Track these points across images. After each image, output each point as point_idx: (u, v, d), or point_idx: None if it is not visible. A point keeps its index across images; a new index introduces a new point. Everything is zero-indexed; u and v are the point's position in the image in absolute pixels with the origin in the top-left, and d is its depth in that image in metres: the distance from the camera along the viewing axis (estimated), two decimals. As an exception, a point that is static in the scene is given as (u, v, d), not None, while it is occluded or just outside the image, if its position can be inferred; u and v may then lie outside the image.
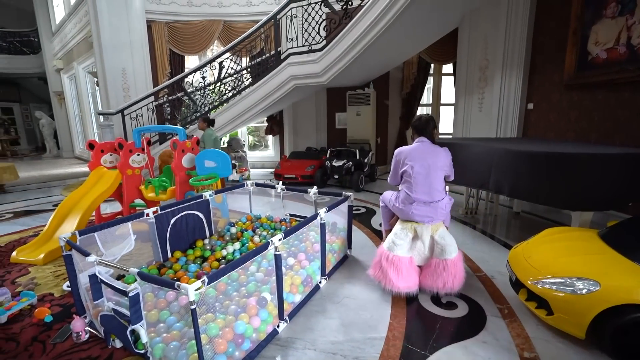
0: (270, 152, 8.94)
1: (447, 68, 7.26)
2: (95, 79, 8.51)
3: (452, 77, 6.95)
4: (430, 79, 7.45)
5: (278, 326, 1.88)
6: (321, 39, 5.41)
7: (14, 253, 2.98)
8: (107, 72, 7.06)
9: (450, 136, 6.24)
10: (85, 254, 1.71)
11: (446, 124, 7.52)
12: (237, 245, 2.73)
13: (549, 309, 1.73)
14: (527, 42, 4.37)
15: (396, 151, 2.34)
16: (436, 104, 7.55)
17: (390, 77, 7.27)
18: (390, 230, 2.58)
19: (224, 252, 2.62)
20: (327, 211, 2.40)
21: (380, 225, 3.21)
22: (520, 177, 2.62)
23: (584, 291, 1.59)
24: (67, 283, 2.43)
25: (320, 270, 2.40)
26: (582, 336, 1.62)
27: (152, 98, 6.58)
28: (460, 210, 4.16)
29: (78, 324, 1.85)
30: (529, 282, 1.84)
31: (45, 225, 3.30)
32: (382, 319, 1.99)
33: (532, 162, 2.52)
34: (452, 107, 6.41)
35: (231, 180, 6.41)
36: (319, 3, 5.28)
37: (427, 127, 2.30)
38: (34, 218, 4.32)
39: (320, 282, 2.39)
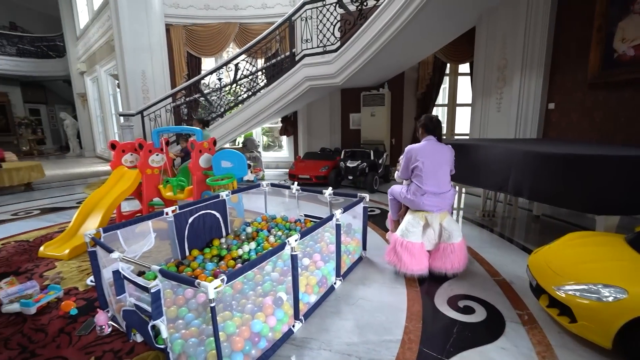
0: (284, 152, 9.01)
1: (464, 68, 7.14)
2: (117, 81, 8.78)
3: (468, 77, 6.83)
4: (446, 79, 7.34)
5: (293, 326, 1.89)
6: (336, 40, 5.42)
7: (41, 248, 3.10)
8: (128, 75, 7.28)
9: (467, 137, 6.14)
10: (109, 251, 1.77)
11: (462, 125, 7.40)
12: (253, 244, 2.76)
13: (572, 316, 1.67)
14: (548, 40, 4.26)
15: (407, 148, 2.58)
16: (452, 104, 7.43)
17: (405, 78, 7.21)
18: (397, 221, 2.93)
19: (240, 252, 2.66)
20: (343, 212, 2.41)
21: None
22: (542, 179, 2.55)
23: (610, 299, 1.54)
24: (91, 278, 2.52)
25: (335, 271, 2.40)
26: (609, 346, 1.56)
27: (170, 99, 6.75)
28: (477, 212, 4.08)
29: (101, 318, 1.92)
30: (551, 288, 1.79)
31: (70, 222, 3.43)
32: (397, 322, 1.98)
33: (555, 164, 2.45)
34: (469, 108, 6.29)
35: (246, 180, 6.48)
36: (334, 4, 5.29)
37: (437, 128, 2.58)
38: (59, 215, 4.50)
39: (335, 283, 2.39)
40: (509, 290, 2.32)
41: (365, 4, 5.10)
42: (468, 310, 2.08)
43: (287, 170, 6.83)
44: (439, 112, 7.93)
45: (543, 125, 4.49)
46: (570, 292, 1.69)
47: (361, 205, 2.80)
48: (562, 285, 1.74)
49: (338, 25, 5.37)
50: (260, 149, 8.21)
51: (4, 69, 12.08)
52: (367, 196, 2.87)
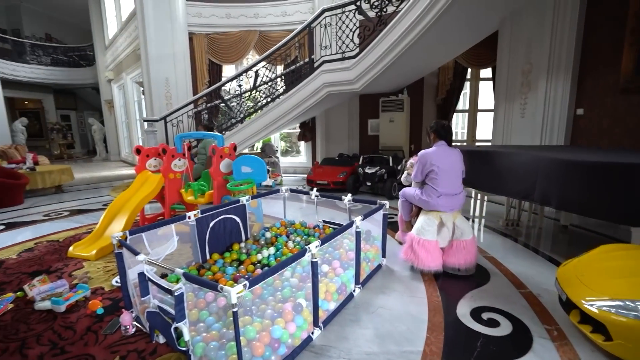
0: (302, 158, 9.06)
1: (486, 72, 6.99)
2: (141, 88, 9.11)
3: (490, 82, 6.68)
4: (467, 84, 7.21)
5: (312, 333, 1.88)
6: (355, 47, 5.43)
7: (70, 248, 3.23)
8: (152, 82, 7.55)
9: (489, 143, 5.99)
10: (135, 253, 1.82)
11: (484, 131, 7.23)
12: (272, 250, 2.77)
13: (607, 334, 1.58)
14: (577, 43, 4.12)
15: (421, 154, 2.74)
16: (473, 109, 7.28)
17: (425, 83, 7.13)
18: (409, 222, 3.12)
19: (259, 257, 2.67)
20: (363, 219, 2.39)
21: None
22: (572, 188, 2.44)
23: (649, 316, 1.45)
24: (116, 278, 2.60)
25: (355, 278, 2.38)
26: (647, 366, 1.47)
27: (191, 105, 6.93)
28: (501, 221, 3.96)
29: (126, 318, 1.97)
30: (583, 303, 1.71)
31: (97, 224, 3.56)
32: (418, 332, 1.93)
33: (586, 172, 2.34)
34: (491, 113, 6.15)
35: (264, 185, 6.56)
36: (353, 11, 5.32)
37: (448, 134, 2.74)
38: (86, 216, 4.67)
39: (354, 291, 2.36)
40: (536, 303, 2.23)
41: (385, 10, 5.10)
42: (492, 323, 2.01)
43: (305, 175, 6.85)
44: (459, 118, 7.80)
45: (571, 131, 4.33)
46: (604, 309, 1.60)
47: (381, 212, 2.77)
48: (595, 301, 1.66)
49: (357, 31, 5.39)
50: (278, 154, 8.30)
51: (40, 77, 12.79)
52: (386, 203, 2.83)
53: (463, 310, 2.17)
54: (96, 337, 1.93)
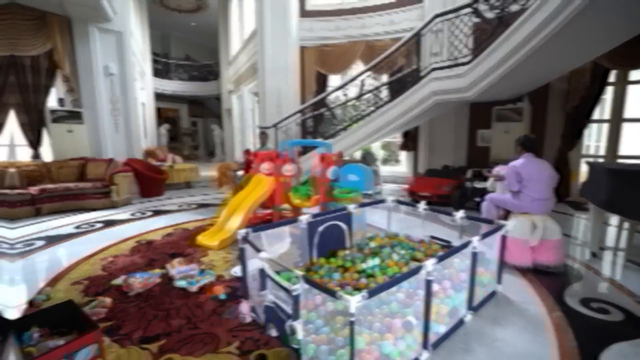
0: (402, 167, 8.81)
1: (636, 74, 5.62)
2: (256, 98, 10.23)
3: (645, 86, 5.36)
4: (609, 89, 5.91)
5: (421, 355, 1.78)
6: (468, 52, 5.04)
7: (198, 237, 3.78)
8: (267, 92, 8.36)
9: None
10: (258, 250, 2.02)
11: (631, 145, 5.85)
12: (377, 260, 2.73)
13: None
14: None
15: (510, 165, 3.08)
16: (617, 119, 5.90)
17: (551, 89, 6.14)
18: None
19: (364, 266, 2.66)
20: (481, 239, 2.17)
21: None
22: None
23: None
24: (234, 269, 2.92)
25: (467, 303, 2.17)
26: None
27: (299, 114, 7.44)
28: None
29: (245, 307, 2.20)
30: None
31: (218, 217, 4.10)
32: (550, 382, 1.64)
33: None
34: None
35: (364, 194, 6.57)
36: (469, 14, 4.95)
37: (534, 145, 3.10)
38: (208, 210, 5.44)
39: (465, 317, 2.16)
40: None
41: (506, 9, 4.59)
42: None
43: (402, 185, 6.65)
44: (593, 129, 6.47)
45: None
46: None
47: (500, 233, 2.48)
48: None
49: (471, 36, 4.98)
50: (377, 163, 8.24)
51: (180, 90, 15.68)
52: (507, 223, 2.52)
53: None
54: (220, 319, 2.20)
